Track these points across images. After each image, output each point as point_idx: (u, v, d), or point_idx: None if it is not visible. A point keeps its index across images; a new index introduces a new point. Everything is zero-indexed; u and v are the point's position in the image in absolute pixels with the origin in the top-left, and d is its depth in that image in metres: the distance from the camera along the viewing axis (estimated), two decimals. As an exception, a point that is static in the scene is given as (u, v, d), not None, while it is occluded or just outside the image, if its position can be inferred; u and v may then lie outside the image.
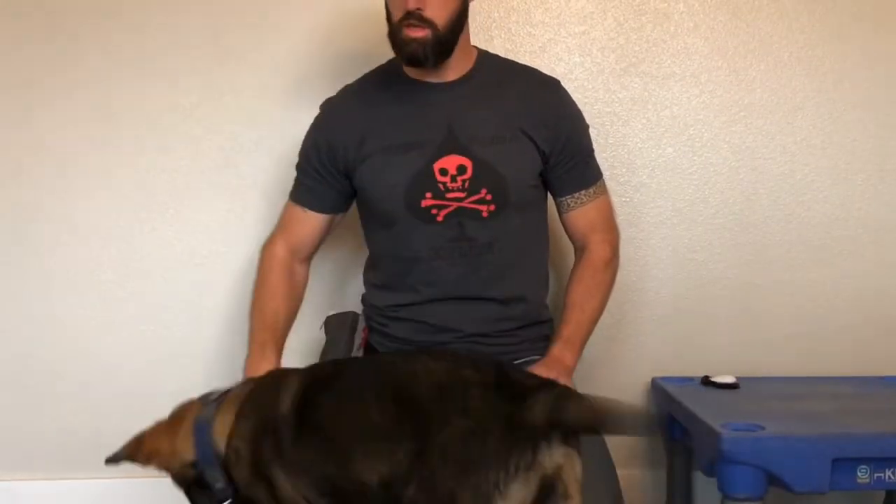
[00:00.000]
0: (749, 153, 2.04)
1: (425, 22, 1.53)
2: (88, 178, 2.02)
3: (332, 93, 1.86)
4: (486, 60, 1.71)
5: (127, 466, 2.02)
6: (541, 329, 1.70)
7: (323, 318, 1.75)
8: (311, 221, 1.72)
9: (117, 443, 2.04)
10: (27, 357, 2.05)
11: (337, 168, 1.67)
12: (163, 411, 2.02)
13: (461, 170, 1.60)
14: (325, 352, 1.70)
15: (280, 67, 2.02)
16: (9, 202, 2.03)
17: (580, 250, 1.73)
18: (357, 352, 1.67)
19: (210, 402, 1.37)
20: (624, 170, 2.03)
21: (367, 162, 1.64)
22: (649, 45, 2.03)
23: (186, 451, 1.35)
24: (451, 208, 1.60)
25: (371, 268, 1.76)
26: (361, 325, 1.71)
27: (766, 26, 2.03)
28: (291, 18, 2.01)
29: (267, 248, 1.73)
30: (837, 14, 2.03)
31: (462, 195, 1.60)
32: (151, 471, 1.86)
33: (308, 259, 1.76)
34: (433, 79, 1.65)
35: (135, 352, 2.04)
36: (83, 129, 2.01)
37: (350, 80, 1.87)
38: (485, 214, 1.61)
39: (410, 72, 1.66)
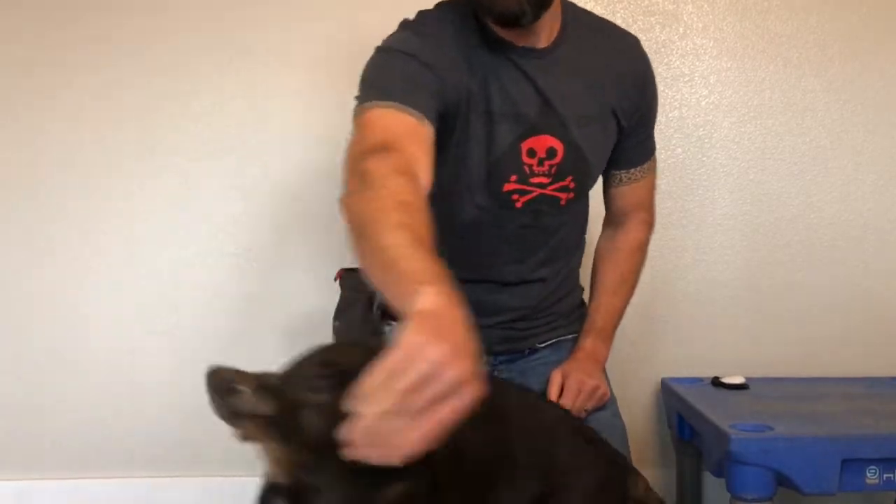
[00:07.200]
0: (758, 154, 2.04)
1: None
2: (101, 180, 2.03)
3: (343, 93, 1.84)
4: (573, 21, 1.41)
5: (135, 466, 2.05)
6: (572, 299, 1.61)
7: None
8: (424, 130, 1.20)
9: (126, 442, 2.07)
10: (37, 357, 2.06)
11: (440, 89, 1.26)
12: (171, 411, 2.04)
13: (551, 153, 1.37)
14: (339, 309, 1.53)
15: (293, 69, 2.02)
16: (22, 202, 2.04)
17: (615, 224, 1.61)
18: (376, 312, 1.48)
19: None
20: (633, 171, 2.03)
21: (458, 121, 1.33)
22: (658, 47, 2.03)
23: None
24: (532, 195, 1.40)
25: None
26: None
27: (775, 27, 2.03)
28: (305, 19, 2.02)
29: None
30: (847, 15, 2.02)
31: (546, 181, 1.39)
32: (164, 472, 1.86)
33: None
34: (524, 42, 1.35)
35: (145, 352, 2.05)
36: (95, 132, 2.02)
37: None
38: (563, 203, 1.42)
39: (498, 30, 1.35)
